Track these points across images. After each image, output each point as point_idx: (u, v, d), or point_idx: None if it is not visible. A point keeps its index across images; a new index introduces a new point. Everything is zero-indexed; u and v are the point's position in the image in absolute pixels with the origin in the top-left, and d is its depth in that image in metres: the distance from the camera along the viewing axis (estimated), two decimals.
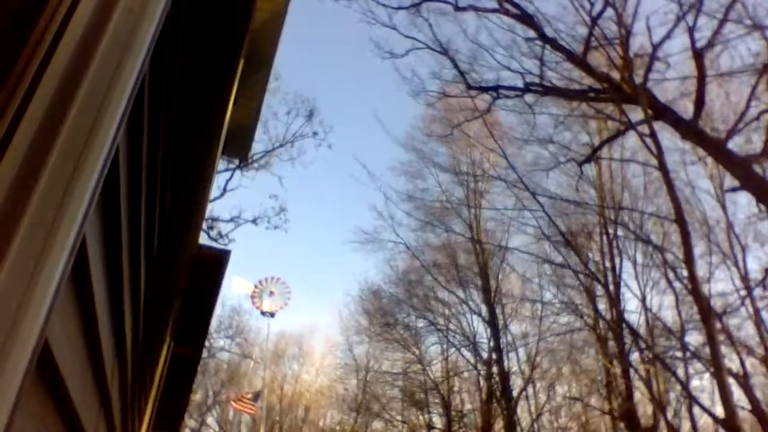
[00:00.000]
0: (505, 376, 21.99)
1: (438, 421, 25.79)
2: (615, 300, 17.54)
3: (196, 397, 29.36)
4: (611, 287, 17.99)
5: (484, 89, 16.33)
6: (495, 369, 22.51)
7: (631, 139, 16.81)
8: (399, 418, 27.57)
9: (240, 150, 6.03)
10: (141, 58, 0.94)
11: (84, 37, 0.86)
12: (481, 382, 23.93)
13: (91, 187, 0.83)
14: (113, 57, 0.88)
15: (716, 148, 12.20)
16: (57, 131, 0.79)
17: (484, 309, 23.89)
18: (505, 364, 22.58)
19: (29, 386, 0.74)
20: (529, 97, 16.12)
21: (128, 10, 0.92)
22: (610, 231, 18.84)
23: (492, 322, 23.12)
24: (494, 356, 22.70)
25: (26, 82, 0.80)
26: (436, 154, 25.18)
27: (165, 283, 2.65)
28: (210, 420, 33.49)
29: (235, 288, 25.35)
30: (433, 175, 25.19)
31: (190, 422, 30.48)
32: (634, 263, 18.75)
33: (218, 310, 26.06)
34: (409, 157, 26.04)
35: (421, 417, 26.77)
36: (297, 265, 51.53)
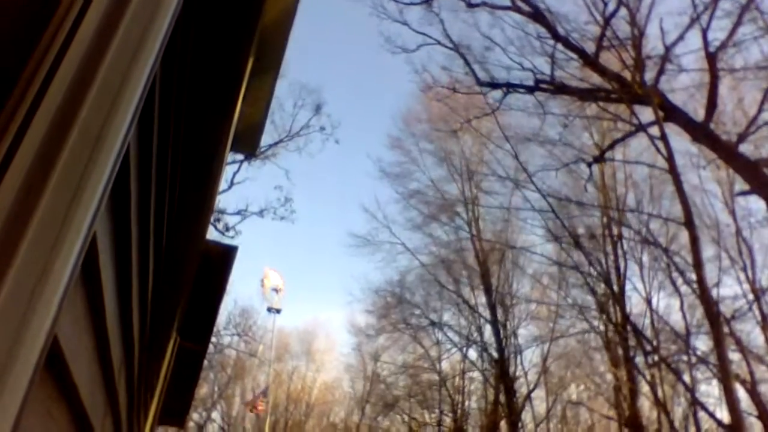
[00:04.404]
0: (508, 377, 21.91)
1: (437, 419, 25.75)
2: (620, 301, 17.46)
3: (202, 391, 29.50)
4: (616, 288, 17.90)
5: (494, 86, 16.29)
6: (500, 370, 22.43)
7: (637, 140, 16.70)
8: (405, 416, 27.54)
9: (248, 146, 6.04)
10: (152, 57, 0.94)
11: (96, 36, 0.86)
12: (487, 382, 23.86)
13: (102, 185, 0.84)
14: (125, 56, 0.89)
15: (727, 151, 12.12)
16: (69, 129, 0.80)
17: (487, 309, 23.80)
18: (511, 365, 22.48)
19: (39, 382, 0.75)
20: (538, 96, 16.08)
21: (140, 10, 0.93)
22: (616, 232, 18.73)
23: (494, 323, 23.02)
24: (499, 357, 22.62)
25: (39, 79, 0.81)
26: (429, 153, 25.11)
27: (173, 278, 2.67)
28: (215, 414, 33.67)
29: (266, 279, 25.36)
30: (425, 173, 25.09)
31: (195, 416, 30.63)
32: (640, 265, 18.65)
33: (228, 307, 26.13)
34: (400, 158, 26.01)
35: (426, 416, 26.75)
36: (301, 260, 51.56)
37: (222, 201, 17.30)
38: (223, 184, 15.88)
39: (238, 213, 17.87)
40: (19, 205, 0.73)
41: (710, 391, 18.05)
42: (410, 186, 25.72)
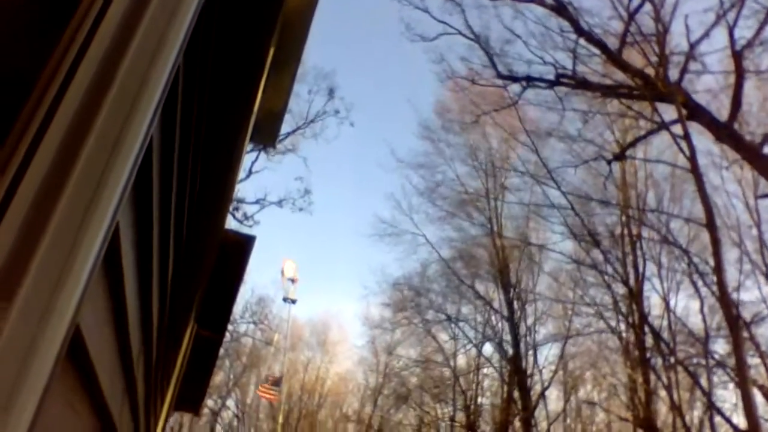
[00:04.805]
0: (523, 374, 21.83)
1: (450, 414, 25.77)
2: (638, 301, 17.26)
3: (217, 379, 29.83)
4: (634, 288, 17.68)
5: (514, 79, 16.14)
6: (515, 367, 22.36)
7: (659, 138, 16.43)
8: (418, 409, 27.60)
9: (268, 137, 6.08)
10: (176, 49, 0.94)
11: (120, 27, 0.87)
12: (502, 379, 23.81)
13: (125, 177, 0.84)
14: (148, 50, 0.89)
15: (751, 152, 11.91)
16: (92, 122, 0.80)
17: (504, 305, 23.69)
18: (526, 362, 22.39)
19: (60, 371, 0.76)
20: (559, 91, 15.90)
21: (163, 4, 0.93)
22: (635, 231, 18.48)
23: (511, 319, 22.93)
24: (513, 354, 22.54)
25: (62, 73, 0.81)
26: (453, 146, 24.91)
27: (192, 268, 2.69)
28: (230, 402, 34.04)
29: (285, 269, 25.69)
30: (450, 167, 24.92)
31: (210, 403, 30.99)
32: (659, 266, 18.39)
33: (245, 296, 26.36)
34: (425, 148, 25.80)
35: (439, 410, 26.79)
36: (315, 250, 51.67)
37: (240, 190, 17.40)
38: (241, 173, 15.93)
39: (257, 202, 17.99)
40: (43, 195, 0.74)
41: (726, 395, 17.76)
42: (434, 178, 25.57)
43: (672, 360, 15.68)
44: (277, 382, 25.43)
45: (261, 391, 25.24)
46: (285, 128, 18.28)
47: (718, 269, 10.74)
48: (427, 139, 25.38)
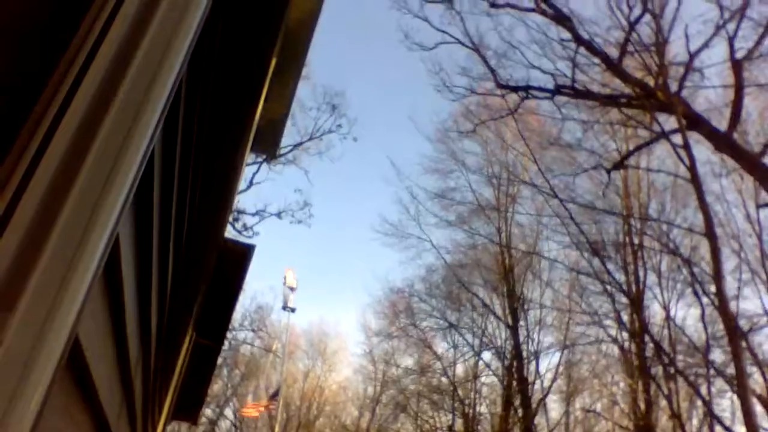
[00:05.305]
0: (524, 383, 21.76)
1: (448, 423, 25.66)
2: (638, 311, 17.23)
3: (215, 387, 29.69)
4: (635, 297, 17.66)
5: (513, 88, 16.16)
6: (515, 375, 22.30)
7: (659, 148, 16.45)
8: (417, 418, 27.46)
9: (269, 146, 6.09)
10: (179, 63, 0.95)
11: (125, 41, 0.88)
12: (501, 387, 23.73)
13: (127, 188, 0.85)
14: (153, 60, 0.90)
15: (751, 162, 11.93)
16: (95, 134, 0.81)
17: (507, 314, 23.64)
18: (527, 370, 22.33)
19: (59, 380, 0.77)
20: (558, 100, 15.93)
21: (168, 14, 0.94)
22: (636, 241, 18.48)
23: (514, 328, 22.88)
24: (515, 363, 22.48)
25: (67, 83, 0.82)
26: (466, 154, 24.82)
27: (191, 277, 2.70)
28: (227, 411, 33.87)
29: (289, 280, 25.66)
30: (463, 175, 24.82)
31: (207, 412, 30.83)
32: (659, 275, 18.37)
33: (244, 304, 26.29)
34: (438, 155, 25.67)
35: (437, 418, 26.67)
36: (313, 259, 51.47)
37: (241, 201, 17.35)
38: (242, 184, 15.95)
39: (257, 213, 17.96)
40: (45, 207, 0.75)
41: (725, 404, 17.68)
42: (444, 184, 25.48)
43: (672, 369, 15.64)
44: (274, 395, 25.23)
45: (250, 410, 24.79)
46: (289, 140, 18.34)
47: (717, 278, 10.75)
48: (440, 143, 25.28)
